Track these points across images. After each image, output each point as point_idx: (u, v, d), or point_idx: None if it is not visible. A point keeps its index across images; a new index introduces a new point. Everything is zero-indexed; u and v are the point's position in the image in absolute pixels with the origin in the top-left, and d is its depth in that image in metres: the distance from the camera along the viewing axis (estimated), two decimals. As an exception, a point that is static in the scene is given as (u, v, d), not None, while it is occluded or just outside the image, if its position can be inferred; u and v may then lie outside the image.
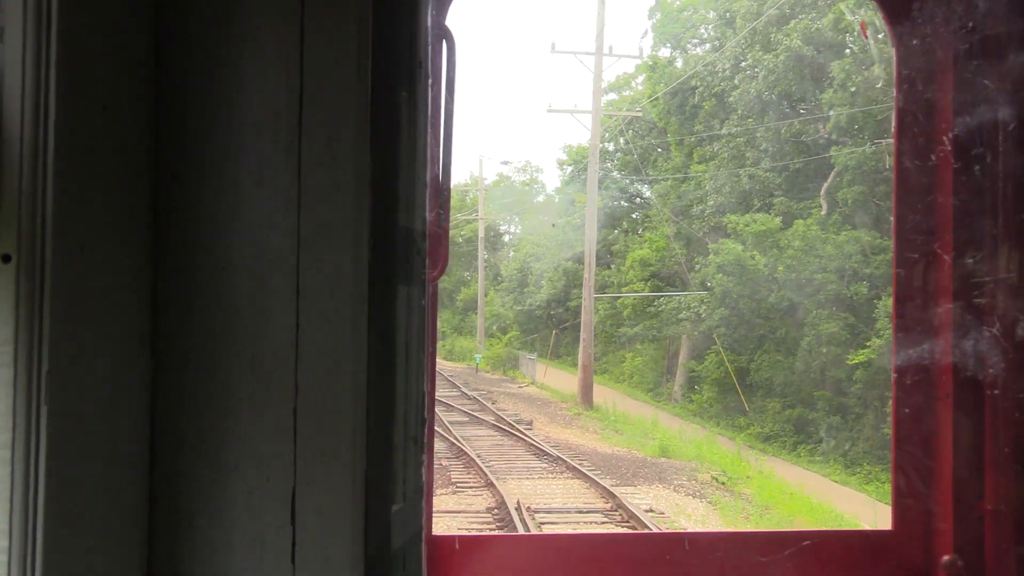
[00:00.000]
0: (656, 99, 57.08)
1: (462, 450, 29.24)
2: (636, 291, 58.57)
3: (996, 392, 2.66)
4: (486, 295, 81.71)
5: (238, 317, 1.74)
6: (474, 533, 19.14)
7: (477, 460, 27.23)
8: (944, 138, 2.74)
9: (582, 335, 46.65)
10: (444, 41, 2.52)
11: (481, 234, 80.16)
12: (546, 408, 44.03)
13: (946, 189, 2.74)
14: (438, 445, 30.14)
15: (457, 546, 2.78)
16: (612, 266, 67.15)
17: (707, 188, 51.90)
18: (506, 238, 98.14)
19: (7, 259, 1.50)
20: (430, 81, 1.96)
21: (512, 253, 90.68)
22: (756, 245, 45.52)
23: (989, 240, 2.68)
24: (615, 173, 69.91)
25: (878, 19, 36.68)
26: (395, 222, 1.84)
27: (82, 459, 1.59)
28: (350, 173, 1.73)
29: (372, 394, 1.76)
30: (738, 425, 45.30)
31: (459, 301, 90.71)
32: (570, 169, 75.96)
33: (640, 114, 57.34)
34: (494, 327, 79.93)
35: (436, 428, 32.75)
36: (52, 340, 1.50)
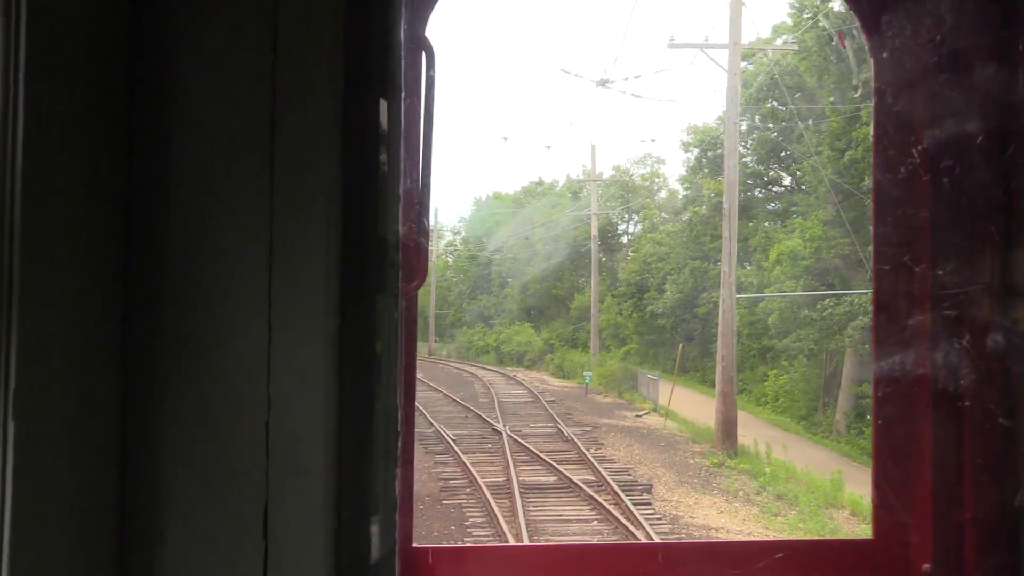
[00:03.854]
0: (807, 52, 42.45)
1: None
2: (785, 291, 43.70)
3: (977, 402, 2.51)
4: (602, 301, 67.91)
5: (209, 330, 1.66)
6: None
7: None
8: (914, 150, 2.61)
9: (720, 351, 32.25)
10: (423, 52, 2.34)
11: (594, 232, 66.40)
12: (672, 452, 29.84)
13: (920, 201, 2.61)
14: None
15: (431, 559, 2.56)
16: (750, 263, 52.70)
17: (884, 152, 36.90)
18: (624, 239, 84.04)
19: None
20: (403, 94, 1.83)
21: (631, 254, 76.67)
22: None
23: (964, 252, 2.54)
24: (748, 158, 55.56)
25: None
26: (368, 233, 1.74)
27: (51, 475, 1.52)
28: (322, 184, 1.67)
29: (345, 407, 1.69)
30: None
31: (572, 309, 77.06)
32: (696, 152, 61.47)
33: (795, 47, 42.55)
34: (610, 338, 66.09)
35: (495, 515, 19.43)
36: (19, 357, 1.44)
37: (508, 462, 25.34)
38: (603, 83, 47.51)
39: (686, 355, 56.03)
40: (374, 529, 1.74)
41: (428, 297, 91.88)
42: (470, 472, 24.04)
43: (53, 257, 1.52)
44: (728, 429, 30.69)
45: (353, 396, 1.71)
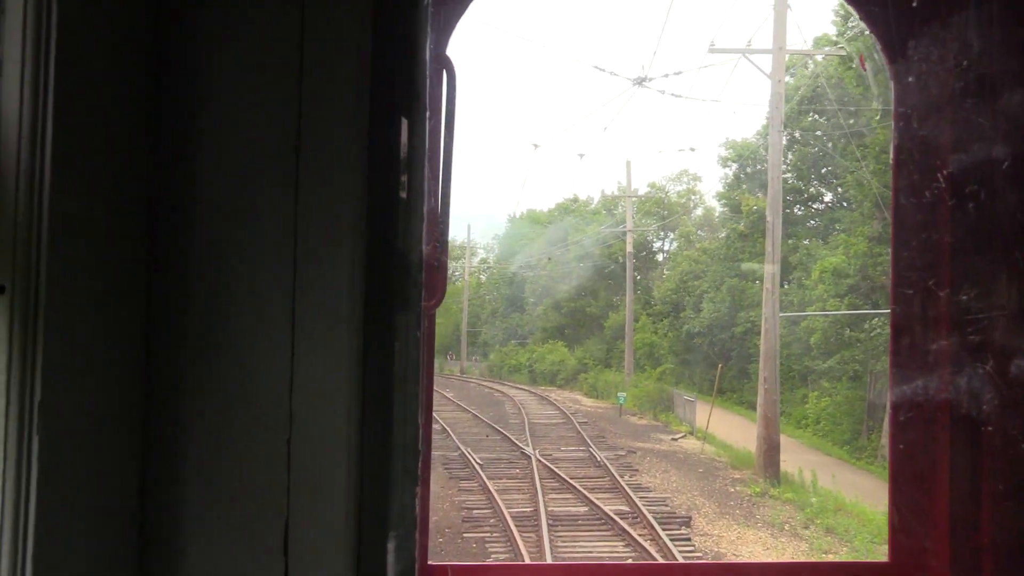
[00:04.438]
0: (849, 62, 40.53)
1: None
2: (829, 310, 41.65)
3: (996, 427, 2.46)
4: (636, 320, 65.96)
5: (233, 346, 1.66)
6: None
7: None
8: (939, 175, 2.57)
9: (762, 371, 30.35)
10: (444, 72, 2.29)
11: (630, 249, 64.56)
12: (711, 479, 27.94)
13: (941, 226, 2.57)
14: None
15: None
16: (788, 282, 50.63)
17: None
18: (659, 257, 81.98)
19: (2, 290, 1.45)
20: (428, 113, 1.81)
21: (667, 272, 74.66)
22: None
23: (987, 277, 2.50)
24: (788, 175, 53.46)
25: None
26: (392, 252, 1.74)
27: (74, 489, 1.51)
28: (347, 202, 1.67)
29: (366, 425, 1.68)
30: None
31: (607, 328, 75.11)
32: (734, 167, 59.56)
33: (842, 51, 40.56)
34: (645, 357, 64.14)
35: (520, 552, 17.70)
36: (45, 370, 1.44)
37: (536, 489, 23.60)
38: (640, 81, 44.70)
39: (722, 376, 54.10)
40: (394, 547, 1.70)
41: (461, 315, 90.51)
42: (495, 501, 22.33)
43: (79, 275, 1.51)
44: (771, 455, 28.74)
45: (375, 414, 1.68)
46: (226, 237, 1.66)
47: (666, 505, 22.91)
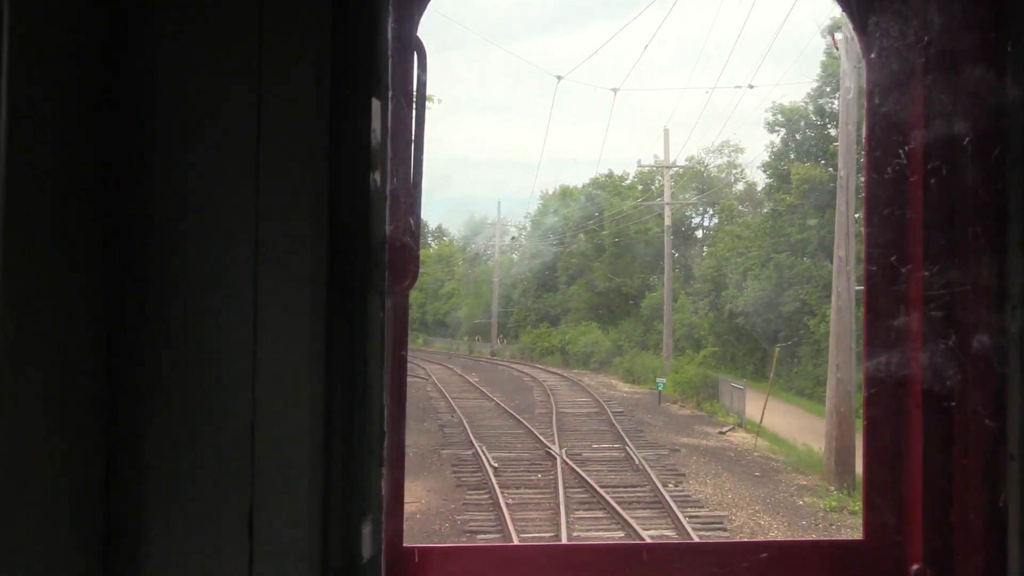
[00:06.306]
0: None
1: None
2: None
3: (964, 403, 2.45)
4: (675, 300, 60.66)
5: (195, 331, 1.66)
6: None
7: None
8: (902, 152, 2.55)
9: (833, 357, 25.05)
10: (415, 52, 2.27)
11: (668, 223, 59.19)
12: (771, 486, 22.78)
13: (907, 202, 2.55)
14: None
15: (417, 559, 2.44)
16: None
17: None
18: (699, 233, 76.43)
19: None
20: (390, 94, 1.83)
21: (707, 249, 69.20)
22: None
23: (951, 253, 2.48)
24: (838, 143, 47.86)
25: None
26: (354, 235, 1.74)
27: (35, 479, 1.51)
28: (308, 186, 1.67)
29: (330, 408, 1.69)
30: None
31: (643, 308, 69.82)
32: (782, 133, 53.92)
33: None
34: (684, 339, 58.88)
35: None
36: (4, 368, 1.42)
37: (559, 504, 18.61)
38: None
39: (768, 359, 48.83)
40: (360, 529, 1.70)
41: (491, 295, 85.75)
42: (506, 523, 17.34)
43: (37, 260, 1.49)
44: (844, 458, 23.56)
45: (338, 396, 1.68)
46: (187, 223, 1.63)
47: (723, 528, 17.85)
